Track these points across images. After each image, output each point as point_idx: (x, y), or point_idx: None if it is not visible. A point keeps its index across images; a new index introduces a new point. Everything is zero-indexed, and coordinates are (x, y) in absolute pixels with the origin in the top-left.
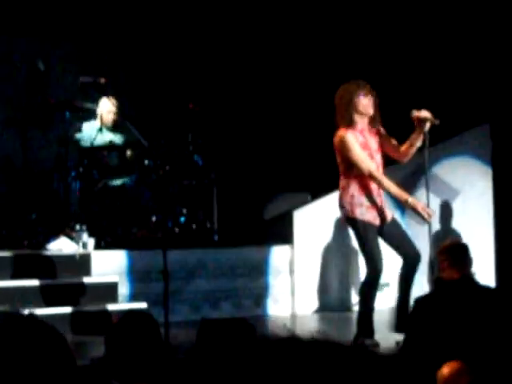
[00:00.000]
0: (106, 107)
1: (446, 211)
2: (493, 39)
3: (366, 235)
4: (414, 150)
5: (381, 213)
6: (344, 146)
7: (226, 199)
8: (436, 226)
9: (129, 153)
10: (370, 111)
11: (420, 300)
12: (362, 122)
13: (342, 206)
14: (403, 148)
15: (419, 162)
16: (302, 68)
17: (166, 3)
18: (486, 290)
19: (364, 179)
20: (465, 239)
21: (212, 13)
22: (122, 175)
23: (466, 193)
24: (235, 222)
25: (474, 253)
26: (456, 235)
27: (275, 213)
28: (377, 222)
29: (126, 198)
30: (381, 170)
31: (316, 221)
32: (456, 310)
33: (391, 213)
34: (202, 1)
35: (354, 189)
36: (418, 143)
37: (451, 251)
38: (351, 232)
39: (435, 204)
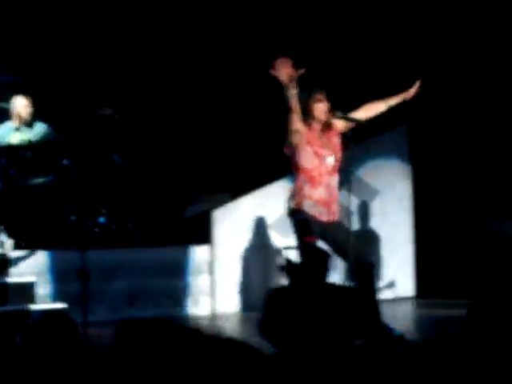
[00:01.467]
0: (21, 106)
1: (365, 212)
2: (411, 45)
3: (308, 227)
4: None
5: (330, 210)
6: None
7: (146, 199)
8: (355, 226)
9: (46, 152)
10: (324, 118)
11: (273, 292)
12: (315, 125)
13: (289, 198)
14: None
15: (342, 163)
16: (222, 68)
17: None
18: (339, 288)
19: (316, 173)
20: (384, 241)
21: (126, 18)
22: (41, 174)
23: (386, 194)
24: (155, 222)
25: (394, 253)
26: (374, 236)
27: (195, 212)
28: (322, 218)
29: (45, 198)
30: (336, 167)
31: (236, 220)
32: (307, 306)
33: (338, 215)
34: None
35: (304, 181)
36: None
37: (306, 253)
38: (273, 231)
39: (355, 205)
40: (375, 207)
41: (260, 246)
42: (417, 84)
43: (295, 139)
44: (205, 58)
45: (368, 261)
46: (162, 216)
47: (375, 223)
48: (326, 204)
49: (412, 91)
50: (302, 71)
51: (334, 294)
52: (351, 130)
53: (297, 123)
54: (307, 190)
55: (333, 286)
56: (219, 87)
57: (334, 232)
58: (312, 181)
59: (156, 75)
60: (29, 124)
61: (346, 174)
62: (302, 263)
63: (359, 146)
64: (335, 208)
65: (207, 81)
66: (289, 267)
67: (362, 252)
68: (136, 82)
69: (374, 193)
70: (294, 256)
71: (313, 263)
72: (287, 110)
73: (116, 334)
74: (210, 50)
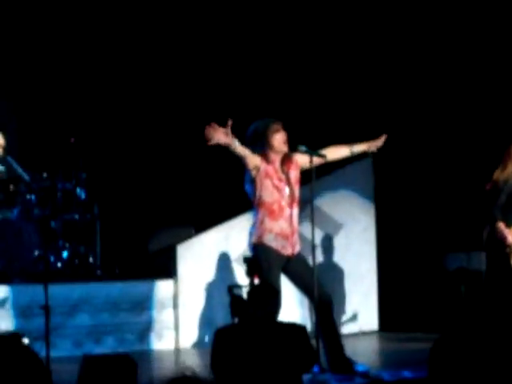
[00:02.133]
0: None
1: (329, 245)
2: (375, 76)
3: (270, 263)
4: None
5: (291, 243)
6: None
7: (109, 233)
8: (319, 259)
9: (11, 187)
10: (284, 148)
11: (221, 331)
12: (274, 156)
13: (250, 233)
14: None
15: (304, 196)
16: (184, 104)
17: (42, 37)
18: (286, 326)
19: (276, 206)
20: (348, 273)
21: (84, 48)
22: (4, 209)
23: (350, 227)
24: (119, 256)
25: (357, 286)
26: (338, 268)
27: (159, 247)
28: (285, 251)
29: (9, 232)
30: (296, 200)
31: (200, 255)
32: (254, 344)
33: (299, 246)
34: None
35: (265, 215)
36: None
37: (255, 294)
38: (236, 265)
39: (319, 237)
40: (339, 239)
41: (224, 280)
42: (382, 137)
43: (253, 174)
44: (166, 90)
45: (327, 297)
46: (126, 250)
47: (339, 255)
48: (287, 237)
49: (376, 144)
50: (230, 123)
51: (280, 333)
52: (311, 164)
53: (252, 162)
54: (268, 223)
55: (279, 324)
56: (182, 121)
57: (296, 266)
58: (272, 214)
59: (120, 106)
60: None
61: (309, 206)
62: (249, 301)
63: (324, 178)
64: (296, 240)
65: (170, 114)
66: (236, 305)
67: (322, 287)
68: (100, 115)
69: (338, 225)
70: (244, 294)
71: (261, 301)
72: (239, 159)
73: (80, 370)
74: (170, 82)
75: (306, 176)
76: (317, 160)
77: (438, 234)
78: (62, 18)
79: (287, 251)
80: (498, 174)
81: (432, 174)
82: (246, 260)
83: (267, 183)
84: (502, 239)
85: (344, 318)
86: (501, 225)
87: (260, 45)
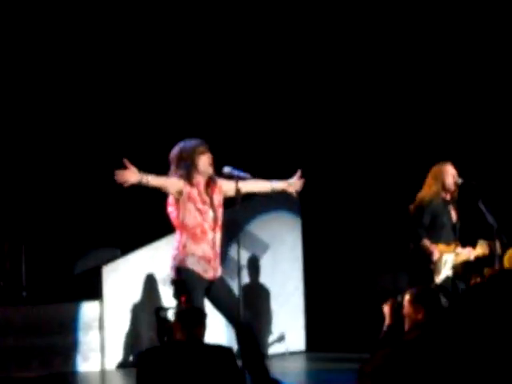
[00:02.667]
0: None
1: (255, 265)
2: (300, 95)
3: (193, 286)
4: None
5: (213, 267)
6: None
7: (34, 255)
8: (246, 280)
9: None
10: (210, 170)
11: (145, 352)
12: (199, 178)
13: (173, 256)
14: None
15: (230, 217)
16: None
17: None
18: (212, 348)
19: (198, 229)
20: (275, 293)
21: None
22: None
23: (276, 247)
24: (44, 278)
25: (284, 307)
26: (265, 289)
27: (85, 268)
28: (207, 275)
29: None
30: (218, 223)
31: (125, 276)
32: (180, 366)
33: (221, 271)
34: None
35: (187, 239)
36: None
37: (181, 316)
38: (162, 286)
39: (245, 259)
40: (266, 260)
41: (150, 302)
42: (298, 174)
43: (176, 197)
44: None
45: (247, 320)
46: (52, 272)
47: (265, 276)
48: (209, 260)
49: (295, 187)
50: (126, 163)
51: (206, 355)
52: (236, 188)
53: (173, 188)
54: (190, 246)
55: (206, 346)
56: (105, 143)
57: (217, 291)
58: (195, 237)
59: (45, 123)
60: None
61: (235, 228)
62: (176, 323)
63: (250, 199)
64: (217, 264)
65: (89, 136)
66: (163, 327)
67: (242, 312)
68: (20, 130)
69: (265, 246)
70: (170, 316)
71: (187, 323)
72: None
73: None
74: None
75: (233, 198)
76: (244, 187)
77: (366, 254)
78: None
79: (209, 275)
80: (423, 194)
81: (358, 194)
82: (173, 281)
83: (190, 206)
84: (429, 255)
85: (271, 338)
86: (426, 241)
87: (187, 63)
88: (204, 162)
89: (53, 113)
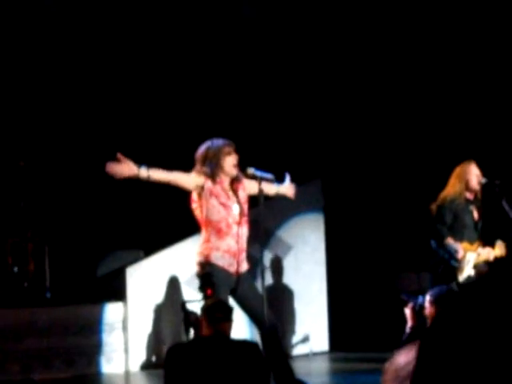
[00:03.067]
0: None
1: (279, 266)
2: (323, 98)
3: (218, 281)
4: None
5: (238, 261)
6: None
7: (58, 257)
8: (269, 281)
9: None
10: (235, 171)
11: (173, 348)
12: (224, 177)
13: (198, 253)
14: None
15: (253, 217)
16: (135, 125)
17: None
18: (238, 343)
19: (223, 224)
20: (298, 294)
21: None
22: None
23: (299, 248)
24: (68, 280)
25: (308, 307)
26: (288, 290)
27: (108, 270)
28: (232, 269)
29: None
30: (244, 217)
31: (149, 277)
32: (207, 361)
33: (246, 265)
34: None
35: (211, 234)
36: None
37: (208, 310)
38: (186, 287)
39: (268, 259)
40: (289, 260)
41: (173, 302)
42: (288, 177)
43: (197, 193)
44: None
45: (272, 321)
46: (75, 274)
47: (289, 276)
48: (234, 255)
49: (292, 191)
50: (120, 156)
51: (233, 350)
52: (260, 188)
53: (191, 182)
54: (214, 241)
55: (232, 341)
56: (128, 143)
57: (242, 290)
58: (219, 232)
59: (67, 127)
60: None
61: (258, 229)
62: (203, 317)
63: (273, 200)
64: (243, 258)
65: (113, 136)
66: (189, 320)
67: (266, 312)
68: (48, 138)
69: (288, 246)
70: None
71: (215, 317)
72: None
73: None
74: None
75: (255, 198)
76: (267, 189)
77: (389, 254)
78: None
79: (234, 268)
80: (445, 194)
81: (380, 195)
82: (199, 275)
83: (213, 202)
84: (454, 253)
85: (295, 339)
86: (450, 239)
87: (212, 63)
88: (229, 162)
89: (79, 115)
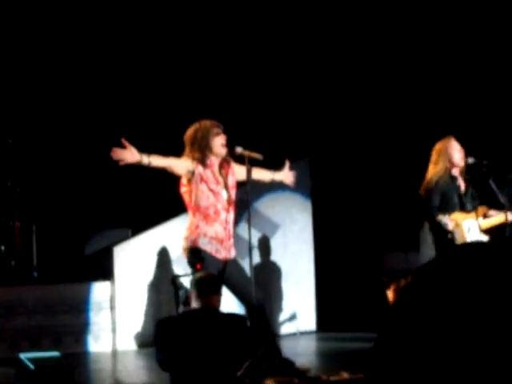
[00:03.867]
0: None
1: (266, 245)
2: (309, 77)
3: (206, 267)
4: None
5: (225, 247)
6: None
7: (45, 235)
8: (257, 260)
9: None
10: (224, 151)
11: (162, 321)
12: (214, 159)
13: (185, 238)
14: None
15: (241, 196)
16: (124, 102)
17: None
18: (227, 316)
19: (211, 210)
20: (286, 273)
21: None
22: None
23: (287, 227)
24: (55, 259)
25: (295, 287)
26: (276, 269)
27: (96, 249)
28: (219, 255)
29: None
30: (232, 204)
31: (137, 256)
32: (196, 333)
33: (235, 251)
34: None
35: (199, 219)
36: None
37: (197, 283)
38: (173, 266)
39: (256, 238)
40: (276, 240)
41: (161, 281)
42: (287, 165)
43: (188, 178)
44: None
45: (259, 301)
46: (62, 252)
47: (277, 256)
48: (222, 241)
49: (291, 180)
50: (124, 143)
51: (222, 322)
52: (249, 164)
53: (181, 168)
54: (202, 226)
55: (221, 314)
56: (117, 121)
57: (229, 272)
58: (207, 218)
59: (56, 106)
60: None
61: (245, 208)
62: (193, 291)
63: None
64: (230, 244)
65: (103, 115)
66: (178, 295)
67: (255, 292)
68: (36, 116)
69: (275, 226)
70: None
71: (204, 290)
72: (162, 170)
73: (16, 372)
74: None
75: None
76: (262, 176)
77: (376, 234)
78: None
79: (221, 255)
80: (430, 175)
81: (368, 175)
82: (189, 249)
83: (203, 187)
84: (445, 226)
85: (282, 318)
86: (440, 216)
87: (200, 45)
88: (218, 143)
89: (67, 92)
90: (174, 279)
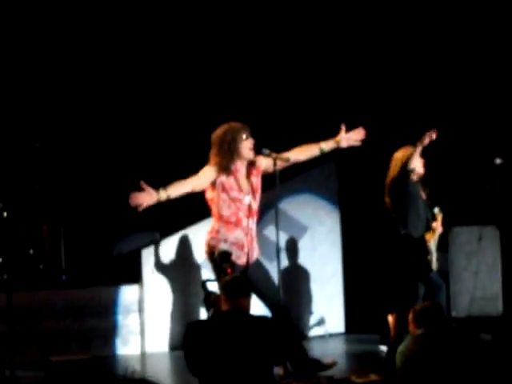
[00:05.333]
0: None
1: (294, 247)
2: (339, 83)
3: (226, 272)
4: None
5: (246, 253)
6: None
7: (74, 239)
8: (285, 262)
9: None
10: (251, 155)
11: (192, 324)
12: (239, 163)
13: (206, 243)
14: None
15: (268, 199)
16: (150, 106)
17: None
18: (257, 319)
19: (233, 218)
20: (314, 276)
21: (50, 53)
22: None
23: (315, 229)
24: (84, 262)
25: (323, 289)
26: (304, 271)
27: (124, 252)
28: (239, 261)
29: None
30: (255, 206)
31: (165, 259)
32: (225, 336)
33: (257, 253)
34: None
35: (221, 225)
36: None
37: (227, 286)
38: (202, 269)
39: (283, 241)
40: (304, 242)
41: (189, 284)
42: (343, 128)
43: (212, 186)
44: (129, 92)
45: (283, 305)
46: (91, 255)
47: (305, 258)
48: (242, 247)
49: (348, 139)
50: (143, 185)
51: (252, 325)
52: (275, 168)
53: (204, 182)
54: (224, 232)
55: (251, 317)
56: (145, 127)
57: (253, 274)
58: (229, 225)
59: (84, 109)
60: None
61: (273, 210)
62: (223, 294)
63: (288, 182)
64: (253, 249)
65: (134, 119)
66: (208, 299)
67: (278, 294)
68: (65, 120)
69: (303, 228)
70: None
71: (233, 293)
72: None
73: (45, 376)
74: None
75: (271, 180)
76: (281, 163)
77: (404, 235)
78: (27, 18)
79: (241, 261)
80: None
81: None
82: (219, 252)
83: (224, 197)
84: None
85: (310, 320)
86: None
87: (224, 47)
88: (246, 146)
89: (91, 95)
90: (204, 283)
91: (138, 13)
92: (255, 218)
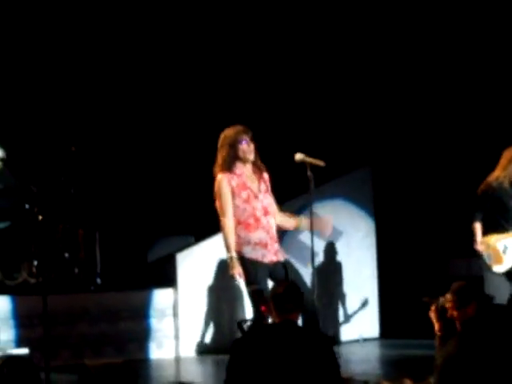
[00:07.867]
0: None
1: (330, 252)
2: (373, 85)
3: (255, 273)
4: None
5: (271, 251)
6: (217, 192)
7: (109, 243)
8: (320, 266)
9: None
10: (250, 157)
11: (238, 341)
12: (241, 166)
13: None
14: (281, 216)
15: (305, 203)
16: (184, 111)
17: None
18: (308, 332)
19: (251, 219)
20: (349, 280)
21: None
22: (3, 219)
23: (350, 234)
24: (119, 266)
25: (358, 293)
26: (339, 275)
27: (159, 256)
28: (266, 259)
29: (7, 242)
30: (273, 208)
31: (200, 263)
32: (274, 350)
33: (283, 255)
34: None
35: (241, 229)
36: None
37: (277, 300)
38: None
39: (320, 245)
40: (340, 247)
41: (223, 288)
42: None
43: None
44: (164, 99)
45: (310, 307)
46: (126, 259)
47: (340, 262)
48: (266, 245)
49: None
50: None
51: (303, 338)
52: (311, 171)
53: (231, 197)
54: (245, 235)
55: (303, 329)
56: (181, 131)
57: (279, 274)
58: (248, 227)
59: (120, 114)
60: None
61: (308, 215)
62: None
63: (323, 187)
64: (276, 247)
65: (168, 124)
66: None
67: (310, 298)
68: (99, 124)
69: (338, 232)
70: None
71: (284, 308)
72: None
73: (79, 379)
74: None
75: (305, 185)
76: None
77: (439, 240)
78: (59, 20)
79: (268, 259)
80: (491, 178)
81: (430, 180)
82: (250, 292)
83: (237, 202)
84: (473, 241)
85: (345, 324)
86: (476, 226)
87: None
88: (244, 149)
89: (127, 99)
90: (240, 324)
91: (148, 19)
92: (273, 218)
